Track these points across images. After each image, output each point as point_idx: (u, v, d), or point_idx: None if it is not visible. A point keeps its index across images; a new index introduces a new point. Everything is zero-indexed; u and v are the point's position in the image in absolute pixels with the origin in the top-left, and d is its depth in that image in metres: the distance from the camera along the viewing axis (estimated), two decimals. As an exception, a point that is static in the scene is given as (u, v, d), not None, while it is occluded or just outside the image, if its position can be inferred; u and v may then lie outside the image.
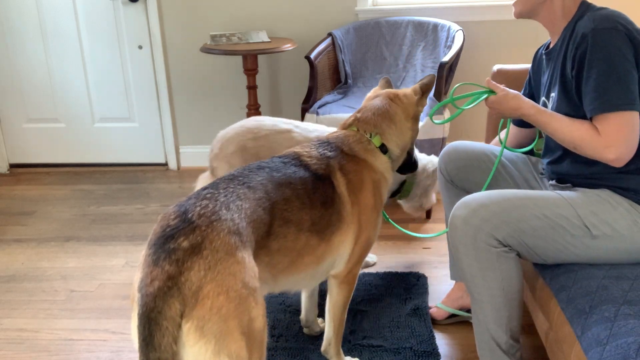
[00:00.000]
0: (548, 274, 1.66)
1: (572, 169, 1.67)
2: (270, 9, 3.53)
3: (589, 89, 1.52)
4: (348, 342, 2.05)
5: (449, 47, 3.09)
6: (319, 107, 2.99)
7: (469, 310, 2.15)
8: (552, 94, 1.70)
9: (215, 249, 1.23)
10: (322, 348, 1.91)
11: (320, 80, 3.22)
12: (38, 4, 3.60)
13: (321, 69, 3.22)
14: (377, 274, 2.48)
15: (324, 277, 1.77)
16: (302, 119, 3.01)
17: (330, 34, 3.35)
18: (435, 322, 2.17)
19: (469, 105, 1.77)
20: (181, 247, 1.22)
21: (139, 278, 1.23)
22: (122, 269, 2.66)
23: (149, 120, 3.82)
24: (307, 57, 3.12)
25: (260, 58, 3.45)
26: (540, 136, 1.94)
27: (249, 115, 3.38)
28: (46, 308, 2.38)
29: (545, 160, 1.81)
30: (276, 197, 1.48)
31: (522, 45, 3.46)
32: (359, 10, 3.50)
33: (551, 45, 1.77)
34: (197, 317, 1.17)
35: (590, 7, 1.65)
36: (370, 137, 1.76)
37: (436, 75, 2.89)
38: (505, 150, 1.99)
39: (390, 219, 2.10)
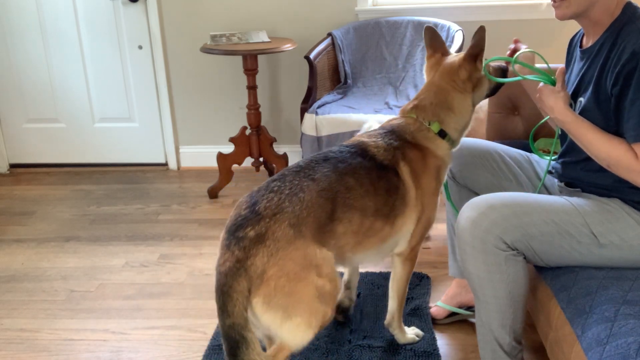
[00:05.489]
0: (548, 274, 1.66)
1: (585, 176, 1.64)
2: (270, 9, 3.53)
3: (633, 113, 1.45)
4: (348, 342, 2.05)
5: (449, 47, 3.09)
6: (318, 107, 2.99)
7: (468, 308, 2.16)
8: (581, 99, 1.62)
9: (276, 238, 1.45)
10: (386, 321, 2.02)
11: (320, 80, 3.22)
12: (38, 4, 3.60)
13: (321, 69, 3.22)
14: (380, 274, 2.48)
15: (388, 254, 1.88)
16: (302, 119, 3.01)
17: (330, 34, 3.35)
18: (435, 322, 2.17)
19: (528, 77, 1.67)
20: (248, 236, 1.45)
21: (217, 257, 1.49)
22: (122, 269, 2.66)
23: (149, 120, 3.82)
24: (307, 57, 3.11)
25: (260, 58, 3.45)
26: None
27: (249, 115, 3.38)
28: (46, 308, 2.38)
29: (560, 160, 1.78)
30: (339, 186, 1.61)
31: (522, 45, 3.46)
32: (359, 10, 3.50)
33: (585, 42, 1.67)
34: (264, 294, 1.42)
35: (637, 12, 1.54)
36: (429, 124, 1.79)
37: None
38: (510, 149, 1.97)
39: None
